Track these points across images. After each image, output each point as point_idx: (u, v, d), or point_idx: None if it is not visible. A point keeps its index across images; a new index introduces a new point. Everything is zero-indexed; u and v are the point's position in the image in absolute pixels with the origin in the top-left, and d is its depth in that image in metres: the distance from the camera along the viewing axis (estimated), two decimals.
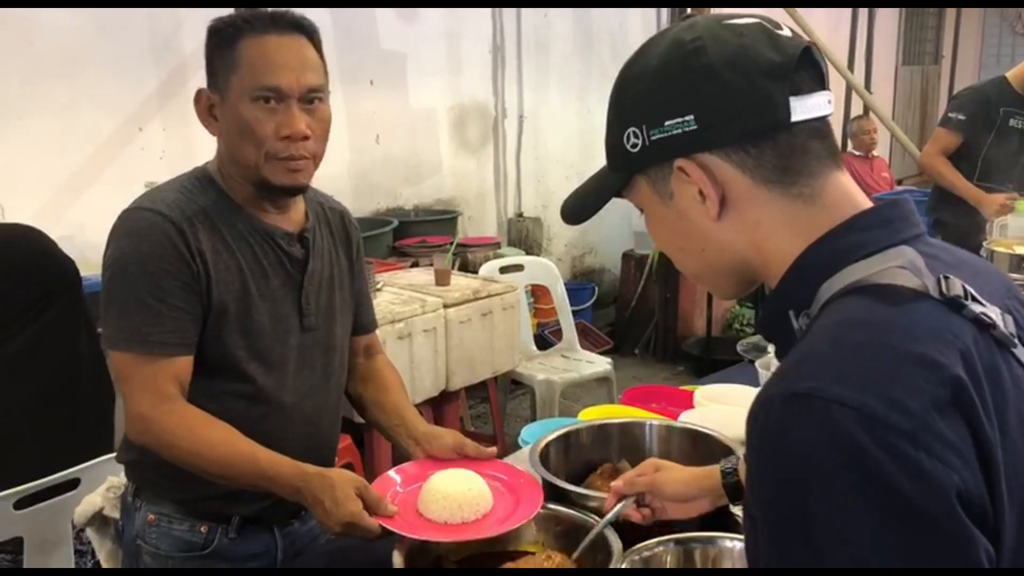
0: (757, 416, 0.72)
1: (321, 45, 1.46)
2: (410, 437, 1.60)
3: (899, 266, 0.76)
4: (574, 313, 4.35)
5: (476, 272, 3.91)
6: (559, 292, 4.18)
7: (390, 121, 4.65)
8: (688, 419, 1.80)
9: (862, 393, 0.66)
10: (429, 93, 4.85)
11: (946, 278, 0.74)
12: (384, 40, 4.57)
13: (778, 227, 0.83)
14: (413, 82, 4.75)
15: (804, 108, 0.80)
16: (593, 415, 1.91)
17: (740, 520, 1.40)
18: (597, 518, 1.41)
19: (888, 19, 8.54)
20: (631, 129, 0.86)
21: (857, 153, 6.26)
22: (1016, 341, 0.75)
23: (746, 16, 0.84)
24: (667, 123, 0.82)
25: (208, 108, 1.45)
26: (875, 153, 6.32)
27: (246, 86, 1.38)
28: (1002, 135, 3.89)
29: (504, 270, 3.97)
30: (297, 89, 1.40)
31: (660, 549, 1.34)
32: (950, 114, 4.02)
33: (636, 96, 0.86)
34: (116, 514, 1.66)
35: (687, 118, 0.81)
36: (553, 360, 4.07)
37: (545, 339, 4.54)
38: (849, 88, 6.56)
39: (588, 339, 5.04)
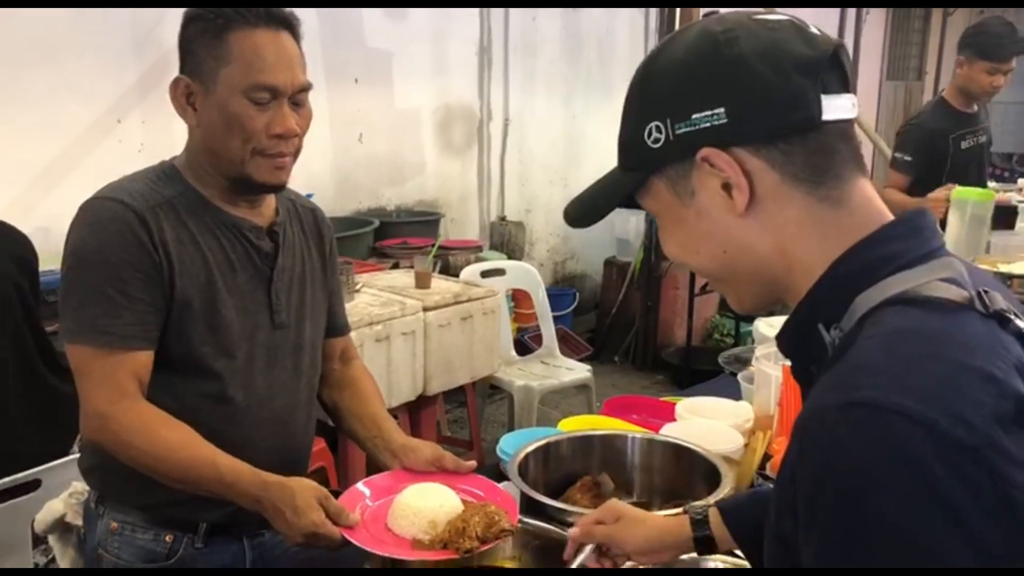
0: (808, 427, 0.68)
1: (301, 39, 1.44)
2: (387, 450, 1.56)
3: (945, 278, 0.74)
4: (555, 319, 4.33)
5: (457, 275, 3.88)
6: (540, 297, 4.15)
7: (374, 120, 4.60)
8: (670, 432, 1.77)
9: (924, 405, 0.63)
10: (414, 93, 4.81)
11: (986, 291, 0.73)
12: (370, 38, 4.53)
13: (804, 230, 0.80)
14: (398, 82, 4.71)
15: (833, 108, 0.78)
16: (574, 426, 1.87)
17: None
18: None
19: (873, 34, 8.59)
20: (653, 124, 0.81)
21: None
22: None
23: (777, 13, 0.82)
24: (695, 115, 0.78)
25: (187, 96, 1.41)
26: None
27: (239, 82, 1.35)
28: (958, 161, 3.68)
29: (485, 274, 3.94)
30: (291, 88, 1.39)
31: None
32: (896, 154, 3.74)
33: (661, 89, 0.82)
34: (79, 521, 1.60)
35: (717, 110, 0.78)
36: (532, 366, 4.04)
37: (525, 344, 4.51)
38: None
39: (568, 345, 5.01)
